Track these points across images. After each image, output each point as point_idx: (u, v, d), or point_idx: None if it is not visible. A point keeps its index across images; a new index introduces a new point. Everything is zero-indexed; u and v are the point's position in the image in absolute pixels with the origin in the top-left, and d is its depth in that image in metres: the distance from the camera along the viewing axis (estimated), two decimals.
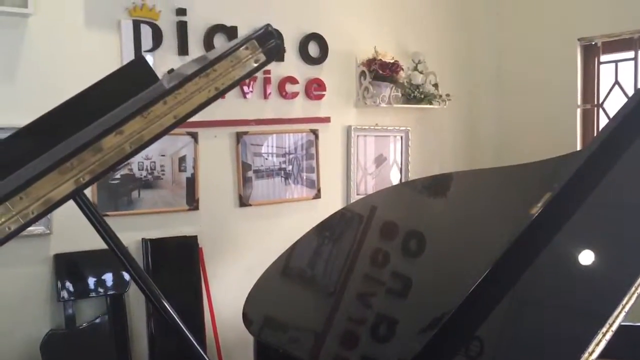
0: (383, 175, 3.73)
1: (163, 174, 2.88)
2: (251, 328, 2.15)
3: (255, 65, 1.09)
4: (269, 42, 1.09)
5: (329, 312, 2.09)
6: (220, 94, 1.10)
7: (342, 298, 2.12)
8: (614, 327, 1.34)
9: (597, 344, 1.31)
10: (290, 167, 3.30)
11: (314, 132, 3.38)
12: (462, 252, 1.95)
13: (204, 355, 1.43)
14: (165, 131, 1.04)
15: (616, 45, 3.53)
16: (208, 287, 2.99)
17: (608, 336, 1.33)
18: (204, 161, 3.00)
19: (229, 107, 3.07)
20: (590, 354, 1.30)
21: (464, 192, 2.35)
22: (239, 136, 3.11)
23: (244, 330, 2.16)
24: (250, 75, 1.11)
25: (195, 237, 2.96)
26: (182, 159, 2.93)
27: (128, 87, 1.22)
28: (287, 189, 3.30)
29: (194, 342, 1.41)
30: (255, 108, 3.17)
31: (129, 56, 2.75)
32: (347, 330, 1.99)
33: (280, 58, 3.21)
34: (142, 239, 2.84)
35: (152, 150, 2.84)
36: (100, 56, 2.70)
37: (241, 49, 1.09)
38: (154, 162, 2.86)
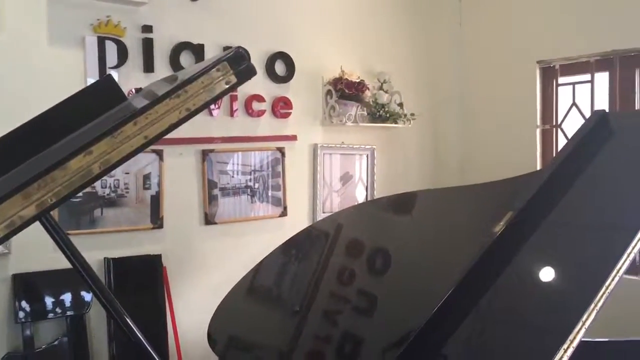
0: (349, 193, 3.75)
1: (127, 192, 2.84)
2: (216, 348, 2.13)
3: (227, 86, 1.10)
4: (241, 63, 1.09)
5: (294, 331, 2.08)
6: (192, 114, 1.10)
7: (308, 317, 2.11)
8: (575, 343, 1.37)
9: (562, 356, 1.35)
10: (257, 184, 3.29)
11: (281, 150, 3.38)
12: (427, 271, 1.97)
13: None
14: (135, 152, 1.03)
15: (573, 68, 3.65)
16: (172, 307, 2.95)
17: (569, 352, 1.36)
18: (169, 179, 2.97)
19: (195, 124, 3.05)
20: None
21: (428, 210, 2.38)
22: (204, 154, 3.09)
23: (208, 351, 2.13)
24: (222, 96, 1.12)
25: (159, 256, 2.92)
26: (146, 177, 2.90)
27: (96, 105, 1.21)
28: (253, 207, 3.29)
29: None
30: (222, 125, 3.16)
31: (94, 73, 2.72)
32: (313, 350, 1.98)
33: None
34: (105, 258, 2.78)
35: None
36: (64, 73, 2.66)
37: (212, 70, 1.10)
38: (118, 179, 2.81)
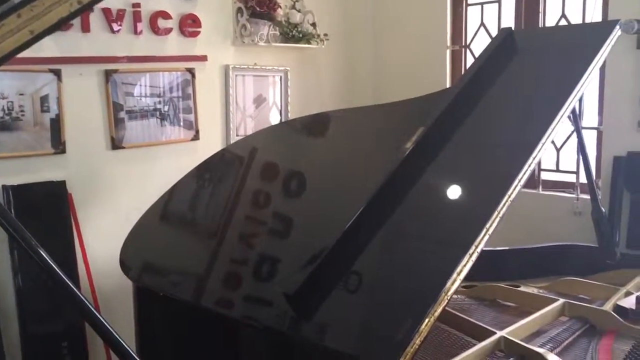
0: (263, 116, 3.69)
1: (23, 115, 2.64)
2: (130, 274, 2.08)
3: None
4: None
5: (211, 254, 2.07)
6: (86, 7, 0.99)
7: (224, 240, 2.10)
8: (479, 249, 1.45)
9: (465, 265, 1.42)
10: (166, 107, 3.16)
11: (190, 71, 3.25)
12: (340, 190, 2.00)
13: (85, 300, 1.37)
14: (20, 49, 0.92)
15: None
16: (80, 235, 2.84)
17: (474, 257, 1.44)
18: (70, 101, 2.78)
19: (96, 42, 2.85)
20: (459, 274, 1.41)
21: (342, 131, 2.39)
22: (108, 74, 2.91)
23: (122, 278, 2.09)
24: None
25: (64, 182, 2.77)
26: (44, 99, 2.70)
27: None
28: (164, 130, 3.17)
29: (74, 288, 1.34)
30: (125, 44, 2.97)
31: None
32: (230, 271, 1.99)
33: None
34: (3, 185, 2.61)
35: (8, 89, 2.58)
36: None
37: None
38: (12, 101, 2.60)
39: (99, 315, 1.37)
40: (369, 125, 2.25)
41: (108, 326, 1.36)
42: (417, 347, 1.31)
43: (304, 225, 1.97)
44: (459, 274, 1.41)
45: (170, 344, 2.06)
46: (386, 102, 2.33)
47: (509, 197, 1.55)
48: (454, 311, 1.92)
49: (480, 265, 2.32)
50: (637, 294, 1.97)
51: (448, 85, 3.79)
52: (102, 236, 2.90)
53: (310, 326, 1.58)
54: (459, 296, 2.20)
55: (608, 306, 1.95)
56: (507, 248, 2.45)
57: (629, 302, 1.95)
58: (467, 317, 1.86)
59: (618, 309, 1.93)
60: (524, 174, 1.60)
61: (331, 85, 4.07)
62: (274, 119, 3.76)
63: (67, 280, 1.33)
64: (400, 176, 1.75)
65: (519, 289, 2.21)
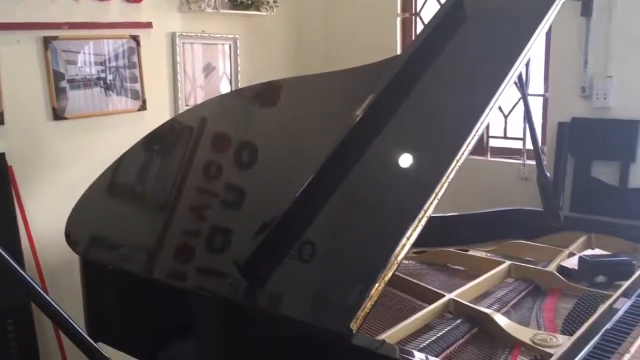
0: (213, 86, 3.62)
1: None
2: (77, 248, 2.04)
3: None
4: None
5: (162, 226, 2.03)
6: None
7: (175, 211, 2.07)
8: (429, 213, 1.47)
9: (414, 230, 1.44)
10: (111, 76, 3.05)
11: (135, 39, 3.13)
12: (291, 159, 1.98)
13: (29, 278, 1.32)
14: None
15: None
16: (23, 209, 2.74)
17: (423, 222, 1.46)
18: (6, 69, 2.64)
19: (32, 7, 2.71)
20: (408, 239, 1.42)
21: (292, 99, 2.36)
22: (47, 41, 2.77)
23: (68, 252, 2.03)
24: None
25: (3, 154, 2.65)
26: None
27: None
28: (109, 100, 3.06)
29: (16, 266, 1.29)
30: (65, 10, 2.83)
31: None
32: (182, 243, 1.96)
33: None
34: None
35: None
36: None
37: None
38: None
39: (45, 295, 1.33)
40: (319, 93, 2.22)
41: (54, 304, 1.32)
42: (367, 311, 1.33)
43: (256, 195, 1.96)
44: (408, 239, 1.42)
45: (121, 318, 2.04)
46: (336, 69, 2.30)
47: (457, 162, 1.56)
48: (405, 276, 1.95)
49: (431, 231, 2.36)
50: (579, 254, 2.05)
51: (399, 52, 3.79)
52: (46, 210, 2.80)
53: (262, 295, 1.58)
54: (410, 262, 2.23)
55: (552, 267, 2.01)
56: (457, 214, 2.49)
57: (572, 263, 2.02)
58: (417, 282, 1.89)
59: (561, 269, 2.00)
60: (472, 139, 1.61)
61: (281, 53, 4.01)
62: (225, 88, 3.69)
63: (9, 259, 1.28)
64: (350, 144, 1.74)
65: (468, 253, 2.26)
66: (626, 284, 1.81)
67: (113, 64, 3.05)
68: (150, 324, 1.92)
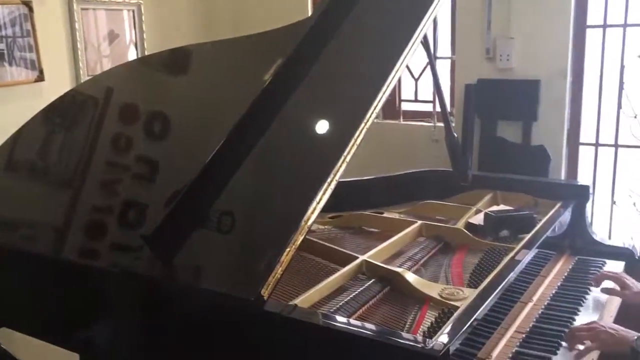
0: (119, 54, 3.46)
1: None
2: None
3: None
4: None
5: (69, 204, 1.94)
6: None
7: (82, 188, 1.97)
8: (338, 176, 1.48)
9: (324, 193, 1.44)
10: (2, 45, 2.84)
11: (27, 5, 2.92)
12: (203, 127, 1.94)
13: None
14: None
15: None
16: None
17: (333, 185, 1.46)
18: None
19: None
20: (318, 202, 1.43)
21: (202, 65, 2.29)
22: None
23: None
24: None
25: None
26: None
27: None
28: (2, 71, 2.86)
29: None
30: None
31: None
32: (91, 220, 1.88)
33: None
34: None
35: None
36: None
37: None
38: None
39: None
40: (229, 59, 2.17)
41: None
42: (279, 276, 1.33)
43: (167, 168, 1.90)
44: (318, 202, 1.42)
45: (29, 301, 1.94)
46: (246, 34, 2.25)
47: (366, 124, 1.57)
48: (320, 241, 1.96)
49: (346, 195, 2.40)
50: (485, 210, 2.13)
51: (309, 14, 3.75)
52: None
53: (171, 267, 1.54)
54: (325, 227, 2.25)
55: (460, 224, 2.09)
56: (371, 177, 2.53)
57: (478, 219, 2.10)
58: (332, 246, 1.91)
59: (469, 226, 2.08)
60: (379, 102, 1.62)
61: (189, 19, 3.88)
62: (132, 57, 3.53)
63: None
64: (259, 110, 1.71)
65: (382, 215, 2.30)
66: (528, 236, 1.91)
67: (4, 32, 2.84)
68: (60, 306, 1.84)
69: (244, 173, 1.61)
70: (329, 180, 1.45)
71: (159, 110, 2.10)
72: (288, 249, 1.34)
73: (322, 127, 1.68)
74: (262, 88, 1.74)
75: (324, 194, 1.43)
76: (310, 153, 1.63)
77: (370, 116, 1.58)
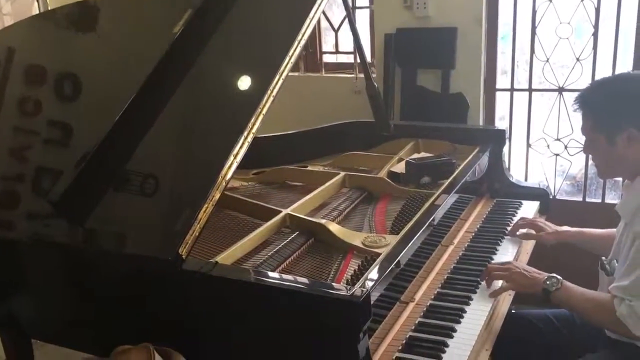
0: (22, 12, 3.23)
1: None
2: None
3: None
4: None
5: None
6: None
7: None
8: (254, 130, 1.44)
9: (241, 147, 1.41)
10: None
11: None
12: (114, 85, 1.83)
13: None
14: None
15: None
16: None
17: (250, 139, 1.43)
18: None
19: None
20: (235, 157, 1.39)
21: (110, 19, 2.15)
22: None
23: None
24: None
25: None
26: None
27: None
28: None
29: None
30: None
31: None
32: (2, 191, 1.77)
33: None
34: None
35: None
36: None
37: None
38: None
39: None
40: (138, 11, 2.05)
41: None
42: (197, 234, 1.29)
43: (79, 130, 1.80)
44: (235, 157, 1.39)
45: None
46: None
47: (280, 76, 1.53)
48: (243, 197, 1.93)
49: (269, 150, 2.37)
50: (406, 159, 2.16)
51: None
52: None
53: (89, 232, 1.48)
54: (249, 183, 2.22)
55: (382, 173, 2.11)
56: (293, 131, 2.50)
57: (400, 168, 2.13)
58: (255, 201, 1.89)
59: (391, 174, 2.11)
60: (293, 52, 1.58)
61: None
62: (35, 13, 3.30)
63: None
64: (169, 65, 1.64)
65: (306, 168, 2.29)
66: (447, 182, 1.95)
67: None
68: None
69: (156, 131, 1.55)
70: (245, 134, 1.42)
71: (67, 70, 1.98)
72: (205, 206, 1.30)
73: (236, 80, 1.64)
74: (172, 41, 1.66)
75: (240, 148, 1.40)
76: (225, 107, 1.58)
77: (285, 68, 1.54)
